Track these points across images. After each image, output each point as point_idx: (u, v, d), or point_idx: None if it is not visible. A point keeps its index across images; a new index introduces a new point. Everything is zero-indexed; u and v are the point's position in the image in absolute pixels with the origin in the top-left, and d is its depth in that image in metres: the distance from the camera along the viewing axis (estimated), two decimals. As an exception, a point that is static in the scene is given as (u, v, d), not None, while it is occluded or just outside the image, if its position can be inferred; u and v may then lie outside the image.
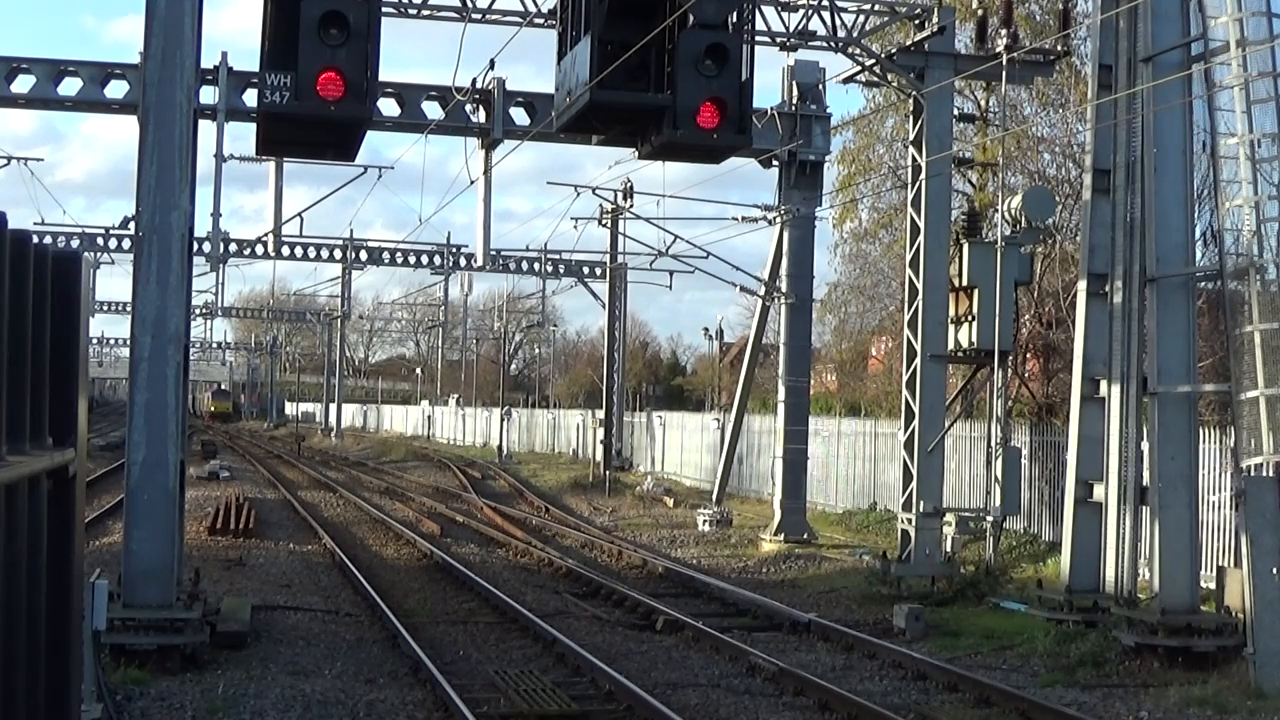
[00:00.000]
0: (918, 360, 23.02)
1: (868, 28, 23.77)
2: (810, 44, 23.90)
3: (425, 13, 22.87)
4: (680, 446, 48.49)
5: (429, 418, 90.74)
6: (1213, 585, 17.51)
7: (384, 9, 16.29)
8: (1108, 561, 17.68)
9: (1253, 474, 15.23)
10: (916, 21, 23.48)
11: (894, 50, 24.45)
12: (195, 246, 19.20)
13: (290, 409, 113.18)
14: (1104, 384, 18.13)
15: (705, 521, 31.88)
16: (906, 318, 23.79)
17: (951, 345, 22.34)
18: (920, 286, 23.05)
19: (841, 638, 17.67)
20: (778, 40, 23.53)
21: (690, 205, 46.82)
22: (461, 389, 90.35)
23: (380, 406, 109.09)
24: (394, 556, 26.51)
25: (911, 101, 23.87)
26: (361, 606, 19.91)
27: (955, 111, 26.35)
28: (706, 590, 22.23)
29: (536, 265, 55.84)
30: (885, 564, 22.33)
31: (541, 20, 21.72)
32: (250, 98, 21.88)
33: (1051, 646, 16.95)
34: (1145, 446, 17.22)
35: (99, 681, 11.27)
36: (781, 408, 28.89)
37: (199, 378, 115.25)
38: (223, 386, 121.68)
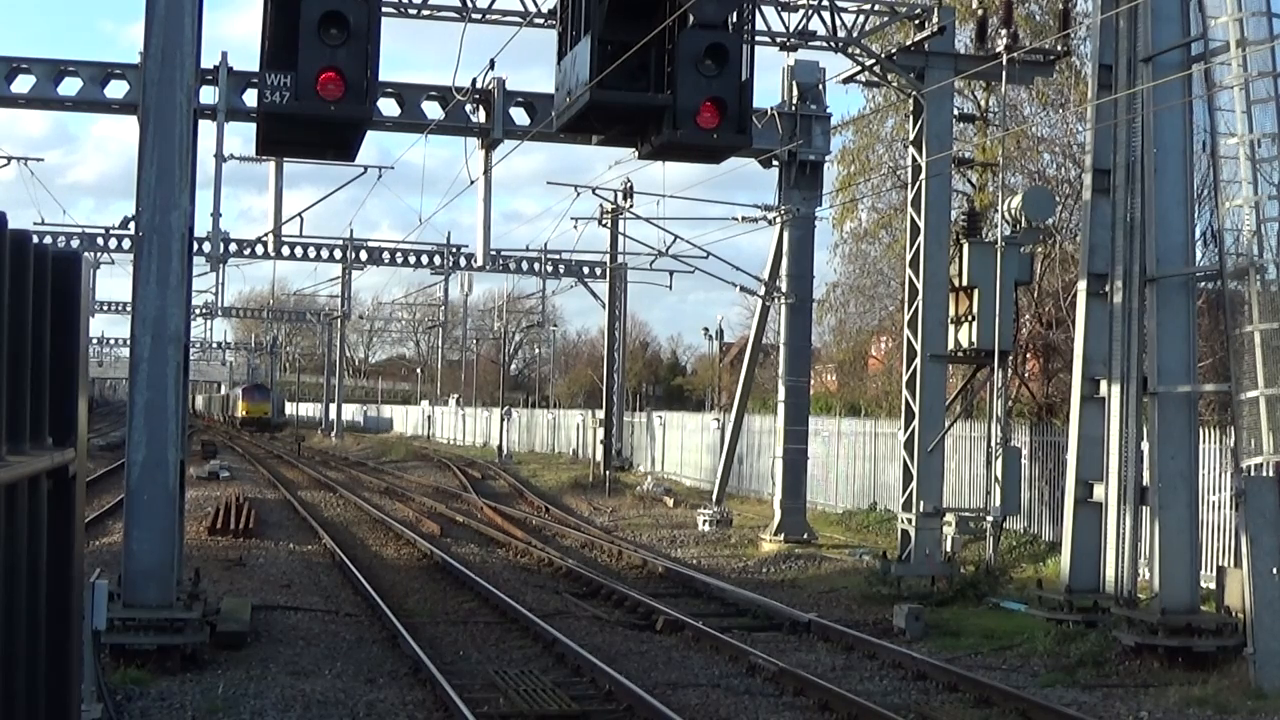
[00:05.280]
0: (918, 360, 23.02)
1: (868, 28, 23.77)
2: (810, 44, 23.90)
3: (425, 13, 22.87)
4: (680, 446, 48.50)
5: (429, 418, 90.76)
6: (1213, 585, 17.51)
7: (384, 9, 16.27)
8: (1108, 561, 17.68)
9: (1253, 474, 15.23)
10: (916, 21, 23.48)
11: (894, 50, 24.45)
12: (195, 246, 19.19)
13: (289, 409, 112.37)
14: (1104, 384, 18.12)
15: (705, 521, 31.88)
16: (906, 318, 23.79)
17: (951, 345, 22.34)
18: (920, 286, 23.05)
19: (841, 638, 17.67)
20: (778, 40, 23.53)
21: (691, 205, 46.88)
22: (461, 389, 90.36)
23: (380, 406, 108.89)
24: (394, 556, 26.51)
25: (911, 101, 23.88)
26: (361, 606, 19.91)
27: (955, 111, 26.36)
28: (706, 590, 22.23)
29: (536, 265, 55.86)
30: (885, 564, 22.33)
31: (541, 20, 21.72)
32: (250, 98, 21.87)
33: (1051, 646, 16.95)
34: (1145, 446, 17.22)
35: (99, 681, 11.27)
36: (781, 408, 28.88)
37: (199, 377, 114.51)
38: (259, 383, 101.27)
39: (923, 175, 23.23)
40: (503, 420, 63.14)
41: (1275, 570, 14.70)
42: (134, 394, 14.84)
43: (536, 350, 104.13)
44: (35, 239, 4.92)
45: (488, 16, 22.66)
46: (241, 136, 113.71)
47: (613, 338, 49.96)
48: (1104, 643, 16.57)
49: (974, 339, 21.45)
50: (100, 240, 51.29)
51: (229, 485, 40.56)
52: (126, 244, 47.82)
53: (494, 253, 51.34)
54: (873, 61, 24.02)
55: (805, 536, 28.27)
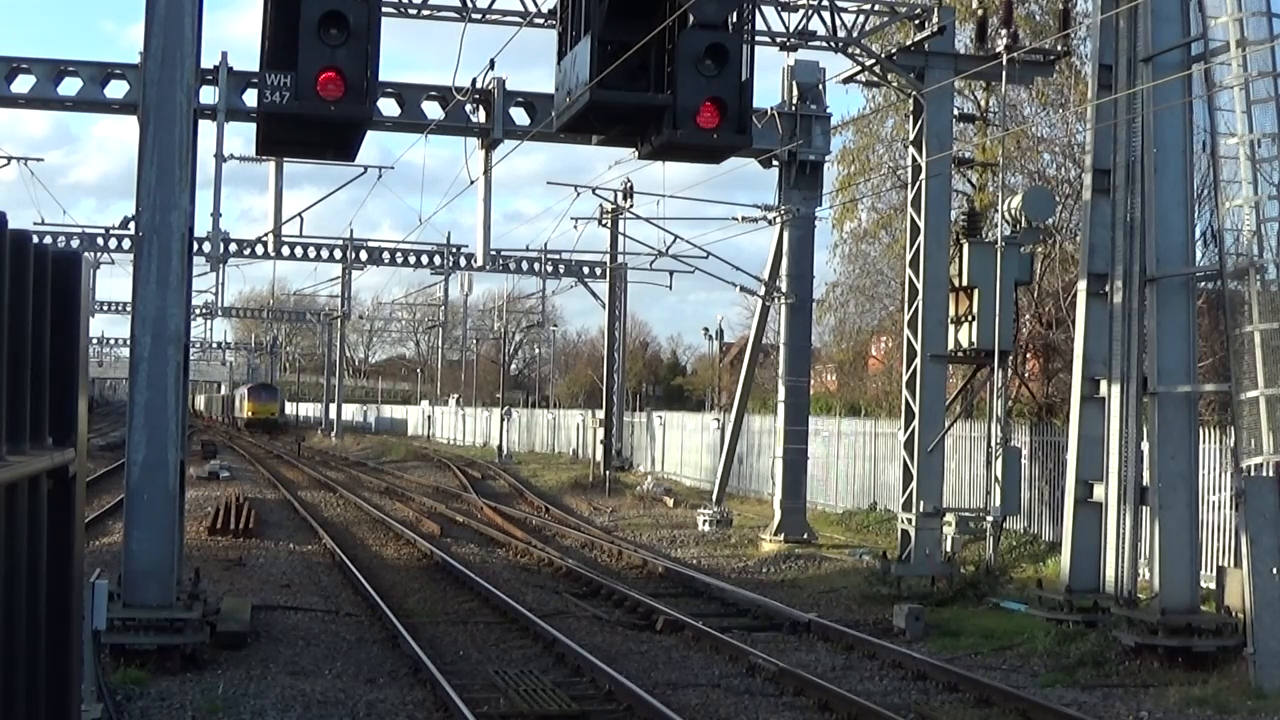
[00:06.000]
0: (918, 360, 23.03)
1: (868, 28, 23.77)
2: (810, 44, 23.90)
3: (425, 13, 22.88)
4: (680, 446, 48.49)
5: (429, 418, 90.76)
6: (1213, 585, 17.51)
7: (384, 9, 16.27)
8: (1108, 561, 17.68)
9: (1253, 474, 15.24)
10: (916, 21, 23.48)
11: (894, 50, 24.45)
12: (195, 246, 19.20)
13: (289, 409, 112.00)
14: (1104, 384, 18.13)
15: (705, 521, 31.88)
16: (906, 318, 23.79)
17: (951, 345, 22.34)
18: (920, 286, 23.05)
19: (841, 638, 17.67)
20: (778, 40, 23.53)
21: (691, 205, 46.88)
22: (461, 389, 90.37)
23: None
24: (394, 556, 26.51)
25: (911, 101, 23.88)
26: (361, 606, 19.91)
27: (955, 111, 26.36)
28: (706, 590, 22.23)
29: (536, 265, 55.86)
30: (885, 564, 22.32)
31: (541, 20, 21.72)
32: (250, 98, 21.86)
33: (1051, 646, 16.95)
34: (1145, 446, 17.22)
35: (99, 681, 11.27)
36: (781, 408, 28.88)
37: (199, 377, 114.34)
38: (266, 383, 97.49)
39: (923, 175, 23.23)
40: (503, 420, 63.13)
41: (1275, 570, 14.70)
42: (134, 394, 14.85)
43: (536, 350, 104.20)
44: (35, 239, 4.92)
45: (488, 16, 22.67)
46: (241, 136, 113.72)
47: (613, 338, 49.95)
48: (1104, 643, 16.57)
49: (974, 339, 21.44)
50: (100, 240, 51.27)
51: (229, 485, 40.56)
52: (126, 244, 47.80)
53: (494, 253, 51.34)
54: (873, 61, 24.02)
55: (805, 536, 28.26)
